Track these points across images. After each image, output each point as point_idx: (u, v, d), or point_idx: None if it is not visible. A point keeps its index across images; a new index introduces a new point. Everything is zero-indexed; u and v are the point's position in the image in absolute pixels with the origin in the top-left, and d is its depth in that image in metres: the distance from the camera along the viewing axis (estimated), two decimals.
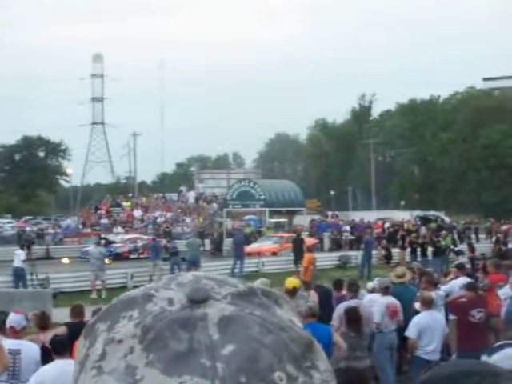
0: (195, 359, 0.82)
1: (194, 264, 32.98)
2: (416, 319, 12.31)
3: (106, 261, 30.23)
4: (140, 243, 45.30)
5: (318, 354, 0.89)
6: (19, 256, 28.18)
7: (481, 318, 12.79)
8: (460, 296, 13.45)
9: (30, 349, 9.46)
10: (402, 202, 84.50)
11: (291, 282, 13.05)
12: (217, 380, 0.81)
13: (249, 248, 39.56)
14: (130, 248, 44.64)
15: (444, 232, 41.31)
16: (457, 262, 21.18)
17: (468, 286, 13.42)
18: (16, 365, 9.23)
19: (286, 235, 44.92)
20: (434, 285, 15.38)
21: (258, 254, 39.85)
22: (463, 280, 15.22)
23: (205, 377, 0.81)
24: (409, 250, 37.70)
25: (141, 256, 42.67)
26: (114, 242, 44.87)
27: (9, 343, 9.51)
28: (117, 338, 0.86)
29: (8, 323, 9.91)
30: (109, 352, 0.86)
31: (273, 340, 0.85)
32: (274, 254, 41.30)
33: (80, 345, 0.91)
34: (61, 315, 12.96)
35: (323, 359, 0.89)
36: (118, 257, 41.29)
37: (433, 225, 50.05)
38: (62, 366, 8.11)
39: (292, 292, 12.77)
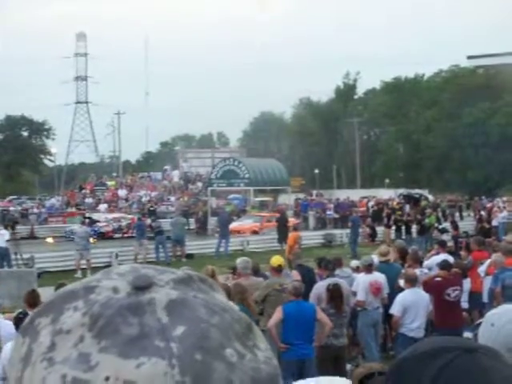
0: (149, 342, 0.84)
1: (178, 243, 33.05)
2: (400, 297, 12.38)
3: (91, 240, 30.24)
4: (124, 222, 45.35)
5: (258, 334, 0.93)
6: (3, 236, 28.15)
7: (456, 297, 12.88)
8: (435, 275, 13.53)
9: (8, 327, 9.47)
10: (387, 181, 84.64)
11: (277, 259, 13.12)
12: (173, 359, 0.83)
13: (230, 226, 39.75)
14: (114, 227, 44.67)
15: (428, 210, 41.47)
16: (439, 239, 21.33)
17: (442, 265, 13.49)
18: None
19: (266, 214, 45.20)
20: (420, 263, 15.47)
21: (239, 232, 39.98)
22: (444, 257, 15.31)
23: (161, 357, 0.83)
24: (393, 228, 37.86)
25: (125, 235, 42.82)
26: (98, 222, 44.86)
27: None
28: (65, 329, 0.86)
29: None
30: (58, 343, 0.86)
31: (219, 320, 0.88)
32: (255, 232, 41.41)
33: (17, 344, 0.91)
34: (46, 294, 12.94)
35: (262, 339, 0.93)
36: (102, 236, 41.43)
37: (424, 203, 50.30)
38: None
39: (277, 270, 12.87)
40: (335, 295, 11.76)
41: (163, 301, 0.88)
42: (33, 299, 10.90)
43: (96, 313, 0.86)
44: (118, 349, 0.83)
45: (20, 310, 10.02)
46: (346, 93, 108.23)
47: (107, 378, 0.82)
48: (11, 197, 69.62)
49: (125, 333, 0.84)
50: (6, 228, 29.65)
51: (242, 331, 0.90)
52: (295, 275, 13.97)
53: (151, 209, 50.66)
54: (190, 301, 0.89)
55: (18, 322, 8.98)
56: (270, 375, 0.89)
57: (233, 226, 40.63)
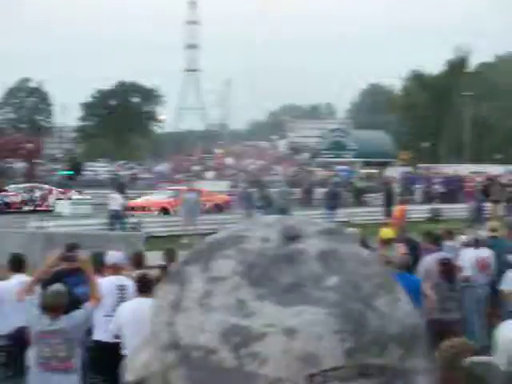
0: (305, 291, 0.85)
1: (284, 213, 33.08)
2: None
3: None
4: (38, 193, 40.48)
5: (398, 287, 0.95)
6: (116, 199, 28.73)
7: None
8: None
9: (131, 285, 9.76)
10: (498, 156, 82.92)
11: (387, 232, 13.13)
12: (331, 308, 0.84)
13: (134, 202, 34.76)
14: (23, 198, 39.86)
15: None
16: None
17: None
18: (124, 299, 9.61)
19: (183, 189, 35.17)
20: None
21: (143, 209, 33.86)
22: None
23: (319, 305, 0.84)
24: (503, 204, 37.13)
25: (38, 208, 38.81)
26: (4, 191, 40.07)
27: (117, 279, 10.00)
28: (219, 276, 0.89)
29: (110, 260, 10.27)
30: (213, 290, 0.88)
31: (368, 271, 0.90)
32: (165, 210, 34.47)
33: (165, 290, 0.96)
34: (151, 258, 13.26)
35: (402, 291, 0.96)
36: (8, 207, 38.26)
37: None
38: (141, 301, 8.60)
39: (387, 242, 12.84)
40: (447, 269, 11.66)
41: (314, 251, 0.89)
42: (139, 260, 11.24)
43: (251, 261, 0.88)
44: (275, 297, 0.84)
45: (140, 271, 10.32)
46: (457, 66, 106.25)
47: (267, 325, 0.83)
48: (121, 161, 71.08)
49: (281, 281, 0.86)
50: (116, 192, 30.29)
51: (387, 282, 0.92)
52: (401, 248, 13.88)
53: (258, 178, 50.96)
54: (340, 252, 0.90)
55: (139, 282, 9.19)
56: (416, 325, 0.91)
57: (137, 201, 35.66)
